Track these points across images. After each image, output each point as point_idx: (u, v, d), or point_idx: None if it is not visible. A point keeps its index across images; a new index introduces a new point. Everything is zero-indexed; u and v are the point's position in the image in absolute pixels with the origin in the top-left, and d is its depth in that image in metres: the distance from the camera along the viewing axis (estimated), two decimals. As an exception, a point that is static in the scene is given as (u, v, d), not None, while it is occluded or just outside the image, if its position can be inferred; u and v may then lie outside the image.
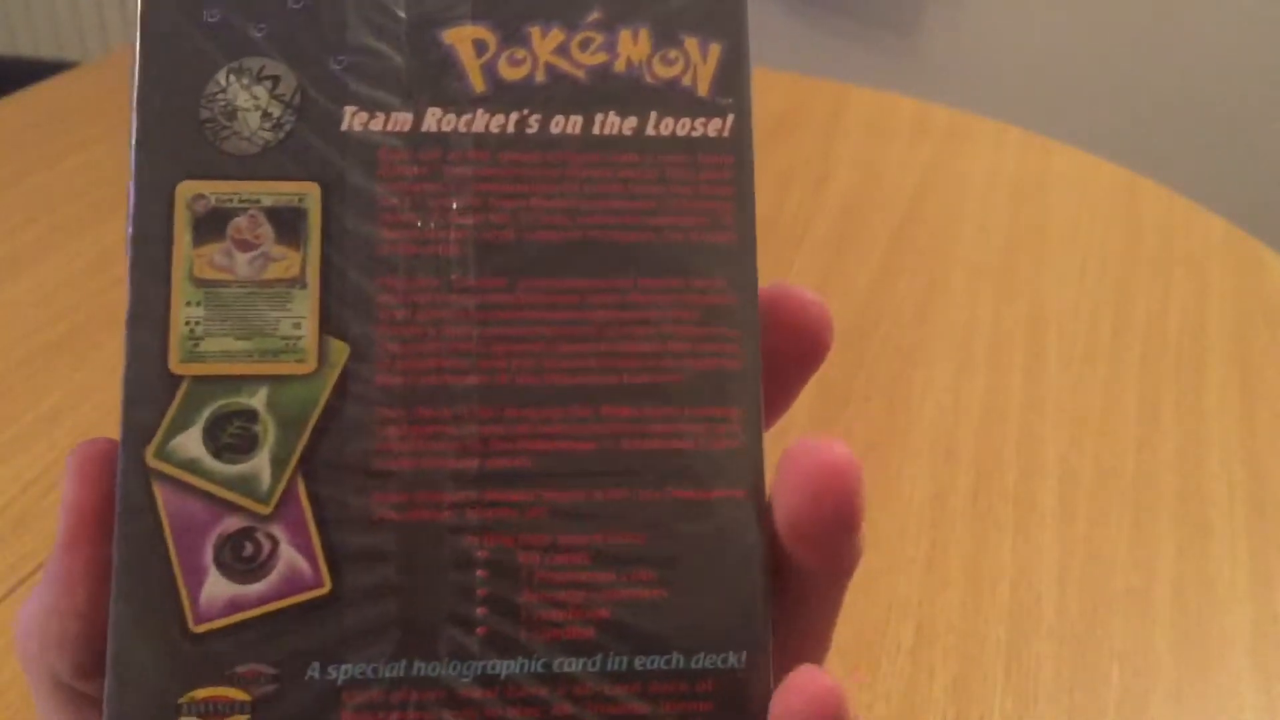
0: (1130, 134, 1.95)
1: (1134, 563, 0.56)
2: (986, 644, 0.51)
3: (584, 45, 0.25)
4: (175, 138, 0.24)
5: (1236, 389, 0.68)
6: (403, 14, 0.25)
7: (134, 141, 0.24)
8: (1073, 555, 0.56)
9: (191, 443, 0.23)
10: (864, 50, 2.02)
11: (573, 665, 0.23)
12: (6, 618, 0.53)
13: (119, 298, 0.78)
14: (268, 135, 0.24)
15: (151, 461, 0.23)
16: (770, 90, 1.11)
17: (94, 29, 2.36)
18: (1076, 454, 0.63)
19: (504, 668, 0.23)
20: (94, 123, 1.05)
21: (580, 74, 0.25)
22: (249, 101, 0.24)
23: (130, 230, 0.24)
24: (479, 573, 0.23)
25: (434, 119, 0.25)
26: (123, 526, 0.23)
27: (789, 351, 0.25)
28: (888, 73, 2.01)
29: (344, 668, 0.23)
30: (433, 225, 0.24)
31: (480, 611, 0.23)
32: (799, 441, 0.23)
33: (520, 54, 0.25)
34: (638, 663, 0.23)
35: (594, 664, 0.23)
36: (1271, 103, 1.88)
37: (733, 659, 0.23)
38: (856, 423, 0.65)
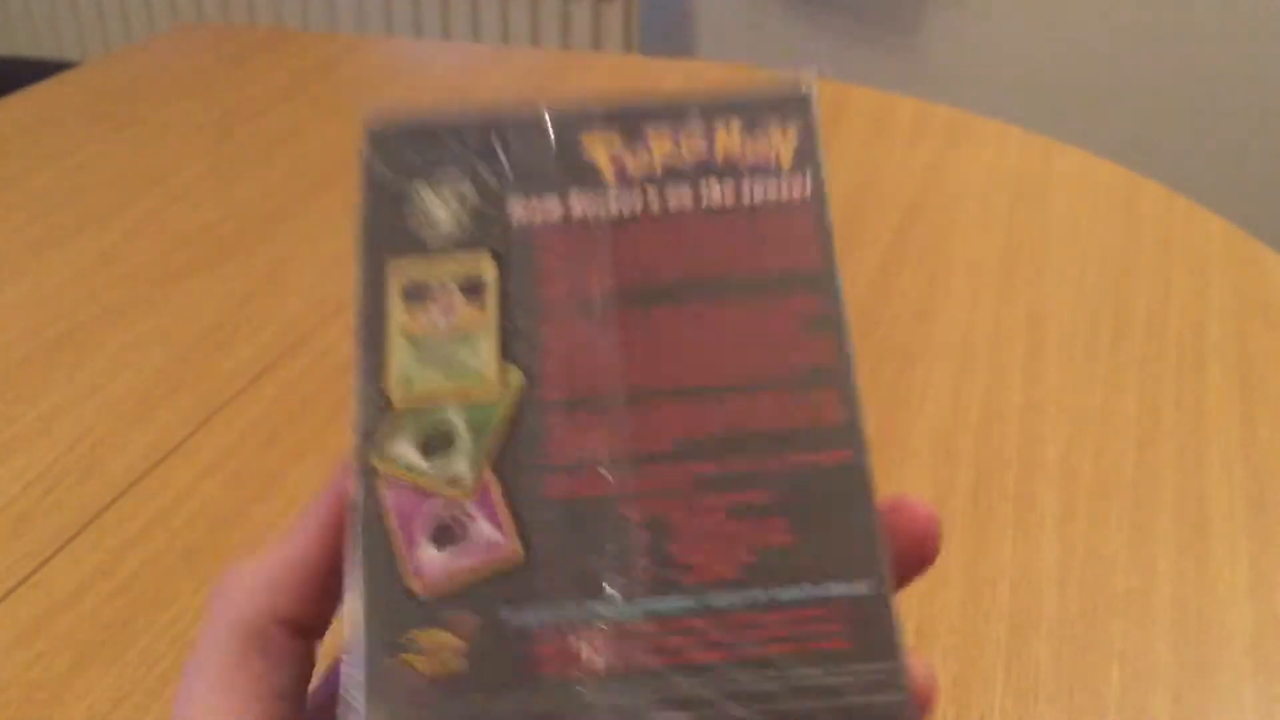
0: (1130, 134, 1.95)
1: (1134, 563, 0.56)
2: (986, 644, 0.51)
3: (689, 140, 0.33)
4: (388, 234, 0.32)
5: (1236, 389, 0.68)
6: (551, 133, 0.33)
7: (357, 233, 0.32)
8: (1073, 555, 0.56)
9: (407, 450, 0.30)
10: (864, 50, 2.02)
11: (723, 600, 0.28)
12: (7, 617, 0.53)
13: (119, 298, 0.78)
14: (454, 228, 0.32)
15: (377, 464, 0.30)
16: (770, 90, 1.11)
17: (94, 29, 2.35)
18: (1076, 454, 0.63)
19: (666, 605, 0.28)
20: (94, 123, 1.05)
21: (688, 161, 0.32)
22: (439, 204, 0.32)
23: (356, 304, 0.31)
24: (639, 532, 0.29)
25: (578, 205, 0.32)
26: (356, 513, 0.29)
27: (900, 555, 0.30)
28: (888, 73, 2.01)
29: (535, 613, 0.28)
30: (581, 280, 0.31)
31: (643, 561, 0.28)
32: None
33: (640, 150, 0.32)
34: (778, 595, 0.28)
35: (741, 599, 0.28)
36: (1271, 102, 1.88)
37: (861, 586, 0.28)
38: (856, 423, 0.65)
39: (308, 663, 0.29)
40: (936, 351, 0.71)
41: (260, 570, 0.29)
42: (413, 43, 1.29)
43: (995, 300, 0.76)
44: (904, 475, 0.61)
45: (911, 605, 0.53)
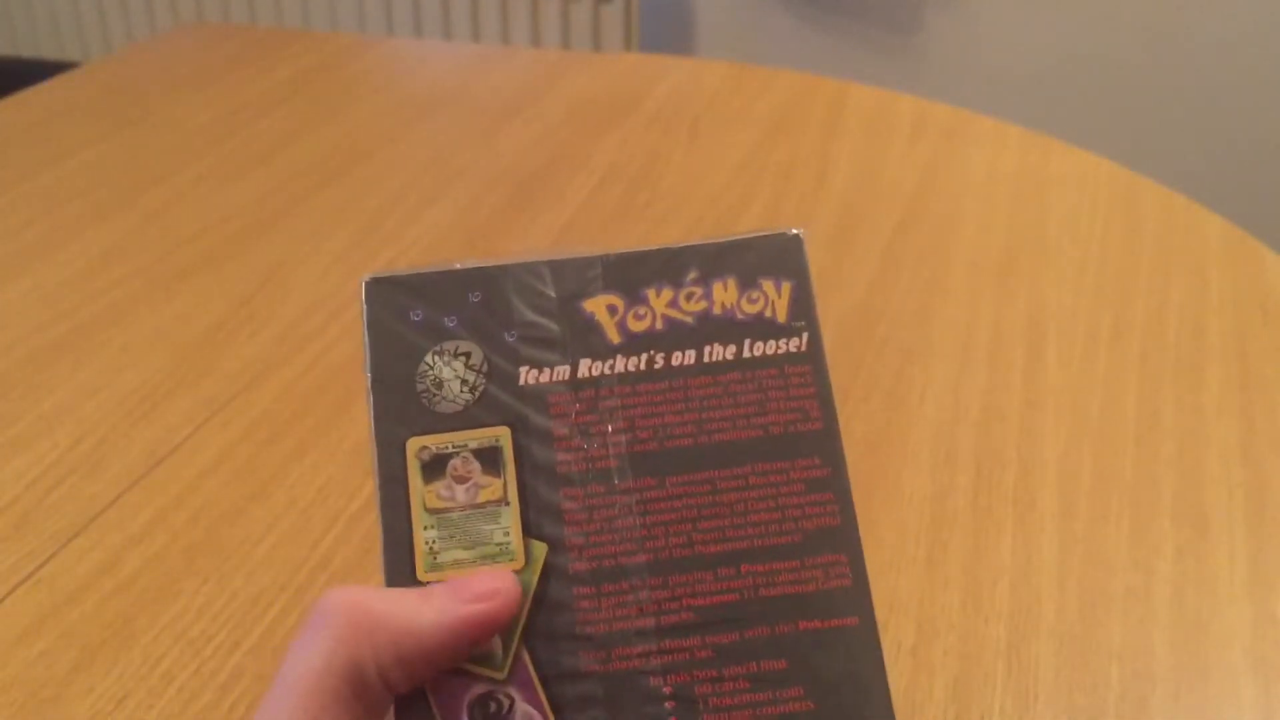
0: (1130, 134, 1.95)
1: (1133, 563, 0.56)
2: (986, 644, 0.51)
3: (688, 298, 0.33)
4: (402, 407, 0.32)
5: (1236, 388, 0.68)
6: (552, 293, 0.33)
7: (372, 411, 0.32)
8: (1072, 555, 0.56)
9: None
10: (864, 50, 2.02)
11: None
12: (10, 616, 0.53)
13: (119, 297, 0.78)
14: (467, 396, 0.32)
15: None
16: (770, 88, 1.11)
17: (94, 29, 2.35)
18: (1076, 454, 0.63)
19: None
20: (94, 123, 1.05)
21: (688, 319, 0.33)
22: (450, 373, 0.32)
23: (377, 478, 0.32)
24: (667, 704, 0.30)
25: (586, 367, 0.32)
26: (397, 699, 0.30)
27: None
28: (888, 73, 2.01)
29: None
30: (595, 446, 0.32)
31: None
32: None
33: (642, 311, 0.33)
34: None
35: None
36: (1272, 102, 1.88)
37: None
38: (856, 422, 0.65)
39: None
40: (936, 351, 0.71)
41: (392, 620, 0.29)
42: (413, 43, 1.29)
43: (995, 300, 0.77)
44: (904, 475, 0.61)
45: (911, 605, 0.53)
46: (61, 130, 1.03)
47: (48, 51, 2.40)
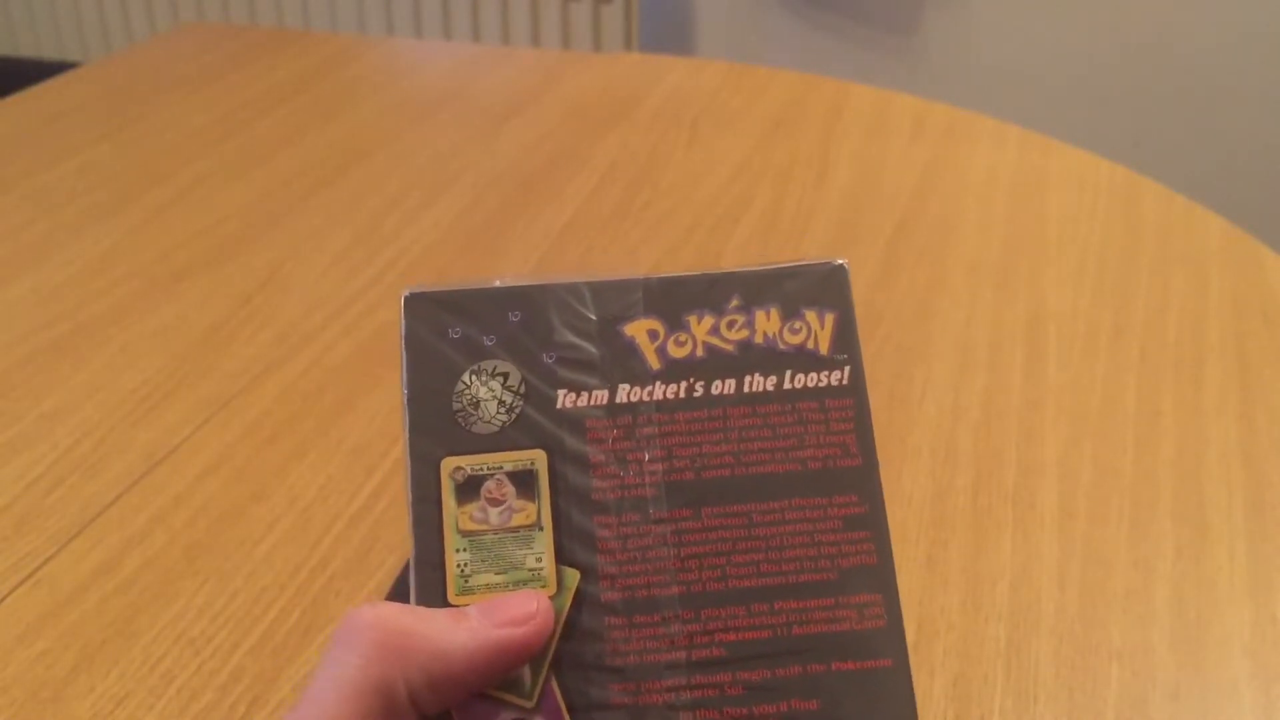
0: (1130, 134, 1.95)
1: (1133, 563, 0.56)
2: (986, 644, 0.51)
3: (730, 325, 0.33)
4: (438, 425, 0.32)
5: (1236, 388, 0.68)
6: (593, 316, 0.33)
7: (408, 429, 0.32)
8: (1072, 555, 0.56)
9: None
10: (864, 50, 2.02)
11: None
12: (10, 616, 0.53)
13: (119, 298, 0.78)
14: (503, 418, 0.32)
15: None
16: (771, 87, 1.11)
17: (94, 29, 2.35)
18: (1076, 454, 0.63)
19: None
20: (94, 123, 1.05)
21: (730, 347, 0.33)
22: (487, 394, 0.32)
23: (410, 496, 0.31)
24: None
25: (624, 392, 0.32)
26: None
27: None
28: (888, 73, 2.01)
29: None
30: (632, 473, 0.31)
31: None
32: None
33: (683, 337, 0.33)
34: None
35: None
36: (1272, 102, 1.88)
37: None
38: (856, 422, 0.65)
39: None
40: (936, 351, 0.71)
41: (425, 641, 0.28)
42: (413, 43, 1.29)
43: (995, 300, 0.77)
44: (904, 475, 0.61)
45: (911, 605, 0.53)
46: (61, 130, 1.03)
47: (48, 51, 2.40)
